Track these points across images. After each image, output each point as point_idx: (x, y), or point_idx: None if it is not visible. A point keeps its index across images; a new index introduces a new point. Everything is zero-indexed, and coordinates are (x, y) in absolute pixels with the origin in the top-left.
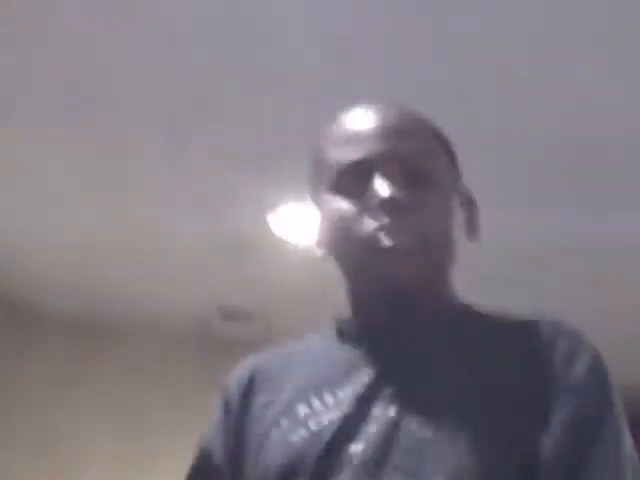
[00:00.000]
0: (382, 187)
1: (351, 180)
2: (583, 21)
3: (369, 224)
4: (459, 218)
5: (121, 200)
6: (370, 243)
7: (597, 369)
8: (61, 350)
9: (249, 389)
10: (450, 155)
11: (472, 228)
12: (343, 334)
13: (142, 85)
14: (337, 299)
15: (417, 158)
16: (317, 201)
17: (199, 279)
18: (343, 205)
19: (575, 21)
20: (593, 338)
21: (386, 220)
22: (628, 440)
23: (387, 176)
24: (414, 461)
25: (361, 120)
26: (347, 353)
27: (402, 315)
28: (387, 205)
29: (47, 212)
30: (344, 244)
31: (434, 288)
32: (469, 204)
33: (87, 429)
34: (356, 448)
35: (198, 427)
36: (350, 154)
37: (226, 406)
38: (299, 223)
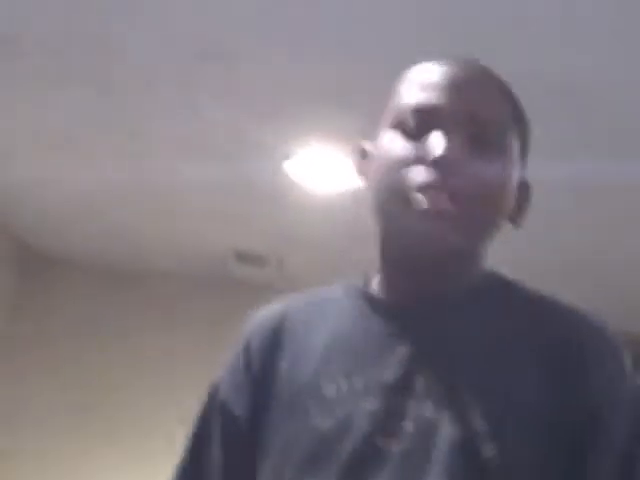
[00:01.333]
0: (441, 142)
1: (416, 123)
2: None
3: (415, 176)
4: (512, 196)
5: (137, 150)
6: (409, 198)
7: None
8: (84, 295)
9: (273, 346)
10: (522, 132)
11: (518, 214)
12: (372, 302)
13: (156, 35)
14: (351, 247)
15: (486, 121)
16: (379, 136)
17: (216, 224)
18: (400, 144)
19: None
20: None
21: (433, 178)
22: None
23: (450, 131)
24: (454, 464)
25: (440, 71)
26: (376, 327)
27: (434, 287)
28: (439, 163)
29: (65, 162)
30: (386, 187)
31: (469, 259)
32: (524, 189)
33: (116, 367)
34: (392, 446)
35: (214, 361)
36: (422, 98)
37: (247, 359)
38: (315, 170)
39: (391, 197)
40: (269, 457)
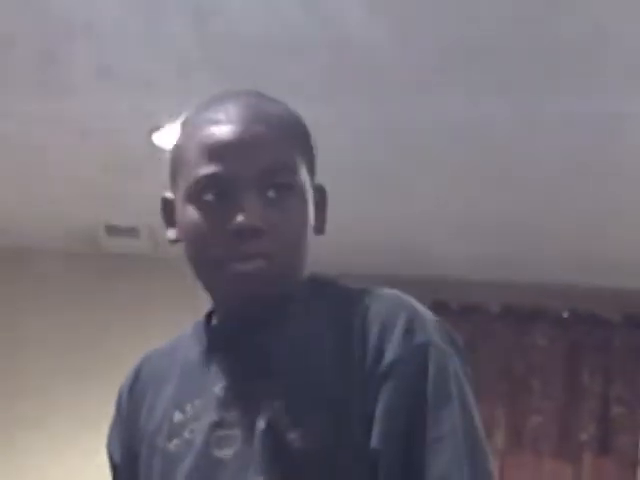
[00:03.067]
0: (239, 209)
1: (209, 193)
2: None
3: (221, 248)
4: (310, 219)
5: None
6: (220, 267)
7: (427, 353)
8: None
9: (134, 390)
10: (309, 154)
11: (320, 225)
12: (206, 329)
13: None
14: None
15: (275, 171)
16: (176, 199)
17: (87, 199)
18: (199, 219)
19: None
20: None
21: (241, 246)
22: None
23: (244, 195)
24: (276, 463)
25: (224, 126)
26: (208, 348)
27: (252, 321)
28: (243, 230)
29: None
30: (197, 260)
31: (282, 295)
32: (320, 198)
33: None
34: (225, 453)
35: (94, 337)
36: (209, 167)
37: (118, 404)
38: None
39: (202, 268)
40: None
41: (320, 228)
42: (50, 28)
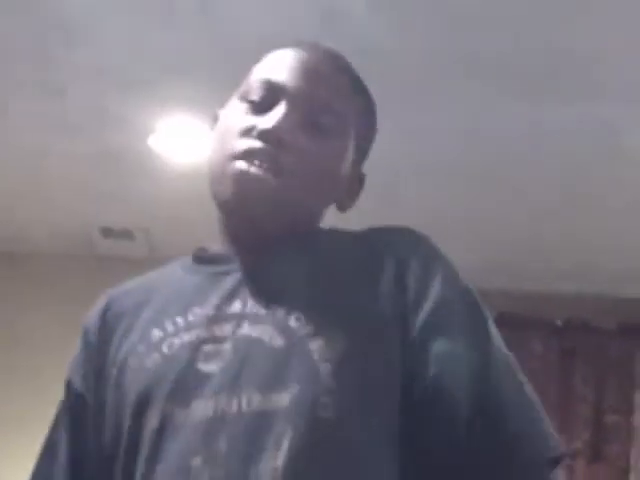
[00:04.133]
0: (275, 117)
1: (261, 96)
2: None
3: (241, 143)
4: (338, 184)
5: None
6: (231, 162)
7: (451, 280)
8: None
9: (106, 321)
10: (363, 134)
11: (347, 201)
12: (199, 260)
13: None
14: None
15: (325, 109)
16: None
17: (82, 201)
18: (239, 114)
19: None
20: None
21: (257, 146)
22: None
23: (290, 110)
24: (270, 374)
25: (295, 56)
26: (200, 276)
27: (251, 240)
28: (266, 135)
29: None
30: (215, 151)
31: (289, 221)
32: (358, 182)
33: None
34: (211, 367)
35: None
36: (271, 75)
37: (85, 338)
38: (180, 142)
39: (218, 160)
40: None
41: (344, 205)
42: (46, 29)
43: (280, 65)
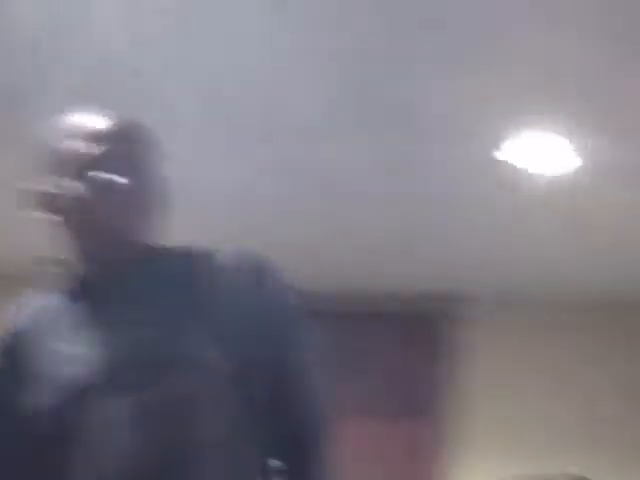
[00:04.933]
0: (105, 173)
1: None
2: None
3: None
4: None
5: None
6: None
7: (283, 295)
8: None
9: (11, 353)
10: (151, 151)
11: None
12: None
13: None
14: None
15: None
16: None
17: None
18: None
19: None
20: None
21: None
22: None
23: (108, 168)
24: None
25: (87, 124)
26: (75, 304)
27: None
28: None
29: None
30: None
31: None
32: (163, 200)
33: None
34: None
35: None
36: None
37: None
38: None
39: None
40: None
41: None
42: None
43: (87, 135)
